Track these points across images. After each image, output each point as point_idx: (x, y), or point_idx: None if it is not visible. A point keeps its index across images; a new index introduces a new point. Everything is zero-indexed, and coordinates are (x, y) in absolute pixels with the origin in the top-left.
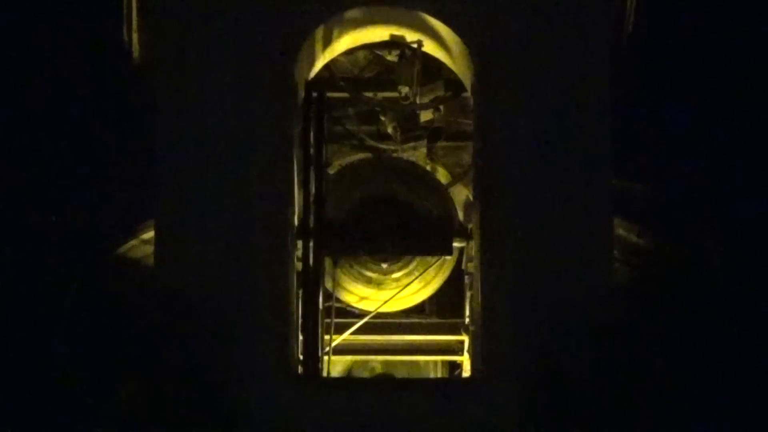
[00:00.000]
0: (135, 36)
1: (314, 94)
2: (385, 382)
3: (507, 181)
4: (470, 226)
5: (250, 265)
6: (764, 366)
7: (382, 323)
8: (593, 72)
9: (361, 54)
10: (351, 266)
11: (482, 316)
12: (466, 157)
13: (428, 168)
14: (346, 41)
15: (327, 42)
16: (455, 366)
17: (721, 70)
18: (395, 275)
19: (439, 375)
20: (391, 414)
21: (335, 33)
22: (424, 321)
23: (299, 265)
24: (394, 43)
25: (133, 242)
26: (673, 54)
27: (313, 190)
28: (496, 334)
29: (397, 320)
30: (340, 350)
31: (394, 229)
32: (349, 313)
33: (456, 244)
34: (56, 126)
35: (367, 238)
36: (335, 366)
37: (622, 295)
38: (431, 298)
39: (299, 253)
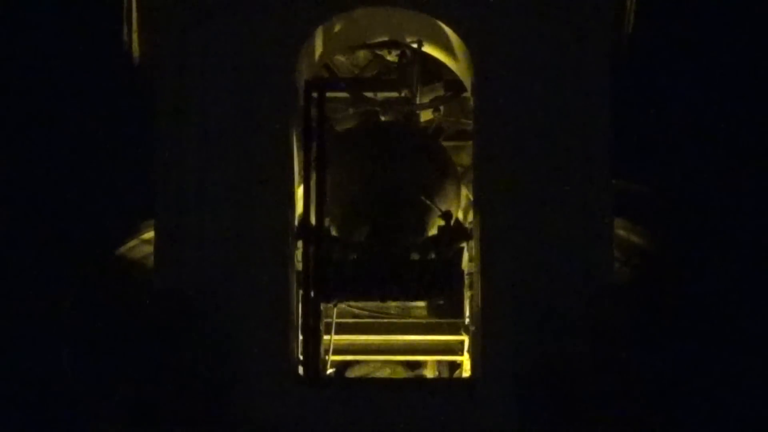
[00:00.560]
0: (135, 36)
1: (314, 94)
2: (385, 382)
3: (507, 181)
4: (470, 226)
5: (250, 265)
6: (764, 366)
7: (382, 323)
8: (593, 72)
9: (361, 54)
10: None
11: (482, 316)
12: (466, 157)
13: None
14: (346, 41)
15: (327, 42)
16: (455, 366)
17: (722, 70)
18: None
19: (439, 375)
20: (391, 414)
21: (335, 33)
22: (424, 321)
23: (299, 265)
24: (394, 43)
25: (133, 242)
26: (673, 54)
27: (313, 190)
28: (496, 334)
29: (397, 320)
30: (340, 350)
31: (393, 270)
32: (349, 313)
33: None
34: (56, 126)
35: (364, 282)
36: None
37: (622, 295)
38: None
39: (299, 253)
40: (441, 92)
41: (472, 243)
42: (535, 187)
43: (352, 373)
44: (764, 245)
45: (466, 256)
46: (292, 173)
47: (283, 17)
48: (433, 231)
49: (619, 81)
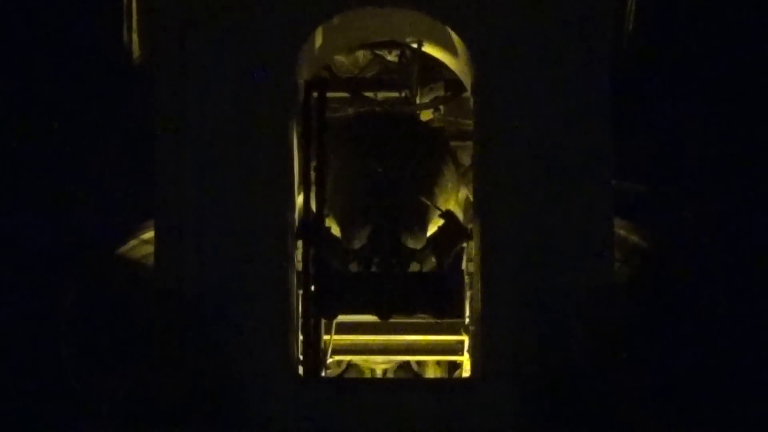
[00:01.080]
0: (135, 36)
1: (314, 94)
2: (385, 382)
3: (507, 181)
4: (470, 226)
5: (250, 265)
6: (764, 366)
7: (382, 323)
8: (593, 72)
9: (361, 54)
10: None
11: (482, 316)
12: (466, 157)
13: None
14: (346, 41)
15: (327, 42)
16: (455, 366)
17: (722, 70)
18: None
19: (439, 375)
20: (391, 414)
21: (335, 33)
22: (424, 321)
23: (299, 265)
24: (394, 43)
25: (133, 242)
26: (673, 54)
27: (313, 190)
28: (496, 334)
29: (397, 320)
30: (340, 350)
31: (392, 285)
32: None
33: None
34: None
35: (363, 296)
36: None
37: (622, 295)
38: None
39: (299, 253)
40: (441, 92)
41: (472, 243)
42: (535, 187)
43: (352, 373)
44: (764, 245)
45: (466, 256)
46: (292, 173)
47: (283, 17)
48: (433, 231)
49: (619, 81)
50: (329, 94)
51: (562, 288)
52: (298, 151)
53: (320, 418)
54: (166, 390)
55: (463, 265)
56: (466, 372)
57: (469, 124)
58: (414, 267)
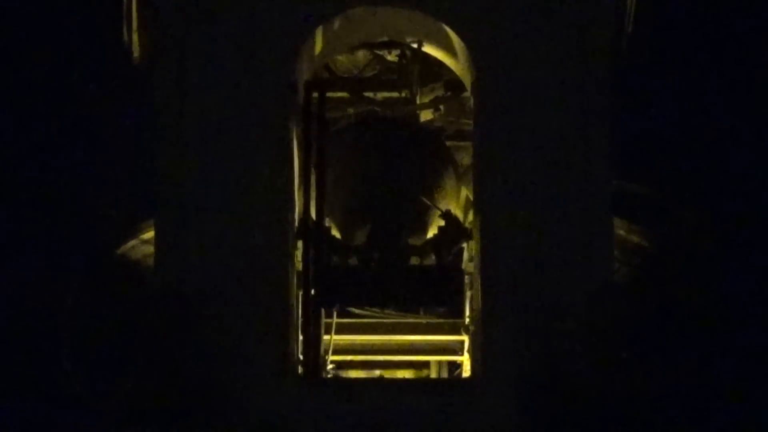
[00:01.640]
0: (135, 36)
1: (314, 94)
2: (385, 382)
3: (507, 181)
4: (470, 226)
5: (250, 265)
6: (764, 366)
7: (382, 323)
8: (593, 72)
9: (361, 54)
10: None
11: (482, 316)
12: (466, 157)
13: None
14: (346, 41)
15: (327, 42)
16: (455, 366)
17: (722, 70)
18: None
19: (439, 375)
20: (391, 414)
21: (335, 33)
22: (424, 321)
23: (299, 266)
24: (394, 43)
25: (133, 242)
26: (673, 54)
27: (313, 190)
28: (496, 334)
29: (397, 320)
30: (340, 350)
31: (393, 278)
32: (349, 313)
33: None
34: (56, 126)
35: (365, 289)
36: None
37: (622, 295)
38: None
39: (299, 253)
40: (441, 92)
41: (472, 243)
42: (535, 187)
43: (351, 373)
44: (764, 245)
45: (466, 256)
46: (292, 173)
47: (283, 17)
48: (433, 231)
49: (619, 81)
50: (329, 94)
51: (562, 288)
52: (298, 151)
53: (320, 418)
54: (165, 390)
55: (463, 265)
56: (466, 372)
57: (469, 124)
58: (414, 261)
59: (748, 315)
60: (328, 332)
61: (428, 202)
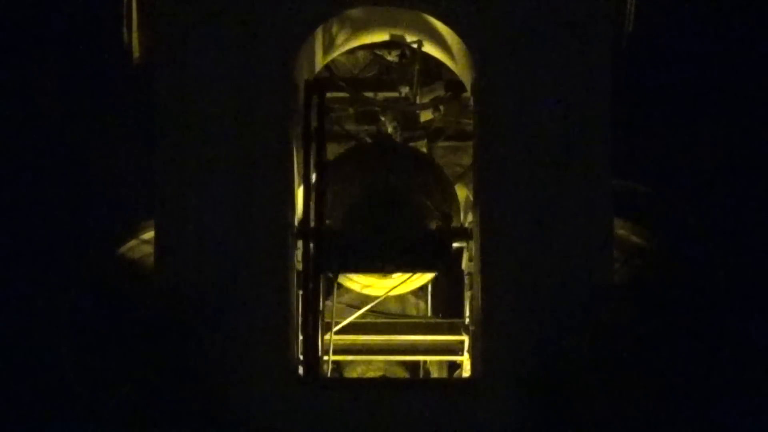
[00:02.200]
0: (135, 36)
1: (314, 94)
2: (385, 382)
3: (507, 181)
4: (470, 226)
5: (250, 265)
6: (763, 366)
7: (382, 323)
8: (593, 72)
9: (361, 54)
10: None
11: (482, 316)
12: (466, 157)
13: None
14: (346, 41)
15: (327, 42)
16: (455, 366)
17: (722, 70)
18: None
19: (439, 375)
20: (391, 414)
21: (335, 33)
22: (424, 321)
23: (299, 265)
24: (394, 43)
25: (133, 242)
26: (674, 54)
27: (313, 190)
28: (496, 334)
29: (397, 320)
30: (340, 350)
31: (392, 242)
32: (349, 314)
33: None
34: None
35: (364, 252)
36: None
37: (622, 295)
38: (432, 298)
39: (299, 253)
40: (441, 92)
41: (472, 243)
42: (535, 187)
43: (352, 373)
44: (764, 245)
45: (466, 256)
46: (292, 173)
47: (283, 17)
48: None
49: (619, 80)
50: (329, 94)
51: (562, 288)
52: (298, 152)
53: (320, 418)
54: (165, 390)
55: (463, 265)
56: (466, 372)
57: (469, 124)
58: (414, 230)
59: (748, 315)
60: (328, 332)
61: (428, 203)
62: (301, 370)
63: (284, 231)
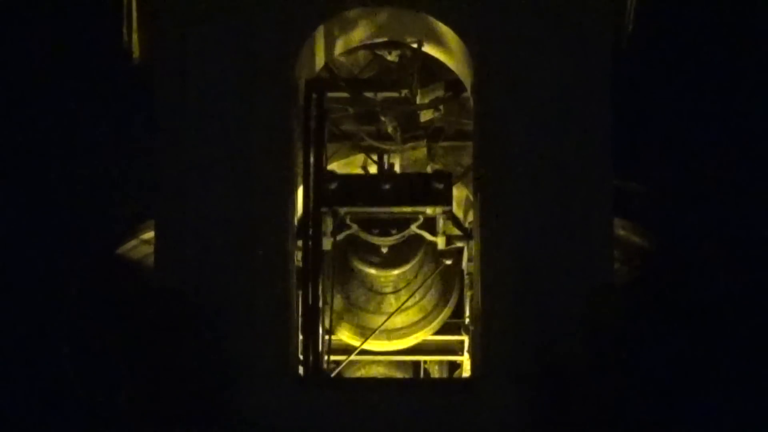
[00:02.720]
0: (135, 36)
1: (314, 95)
2: (385, 382)
3: (507, 181)
4: (470, 226)
5: (250, 265)
6: (763, 366)
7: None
8: (593, 72)
9: (361, 54)
10: (347, 297)
11: (482, 316)
12: (466, 157)
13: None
14: (346, 41)
15: (327, 42)
16: (455, 366)
17: (722, 70)
18: (392, 289)
19: (440, 375)
20: (391, 414)
21: (335, 33)
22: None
23: (299, 265)
24: (394, 43)
25: (133, 242)
26: (674, 54)
27: (312, 190)
28: (496, 334)
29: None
30: (340, 350)
31: (391, 181)
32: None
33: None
34: (56, 126)
35: (364, 190)
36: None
37: (622, 295)
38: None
39: (299, 253)
40: (441, 92)
41: (472, 243)
42: (535, 187)
43: (351, 373)
44: (764, 245)
45: (466, 256)
46: (292, 173)
47: (283, 17)
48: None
49: (619, 81)
50: (329, 94)
51: (562, 288)
52: (298, 151)
53: (320, 418)
54: (165, 390)
55: (463, 265)
56: (466, 372)
57: (469, 124)
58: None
59: (749, 315)
60: (328, 332)
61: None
62: (301, 370)
63: (284, 231)
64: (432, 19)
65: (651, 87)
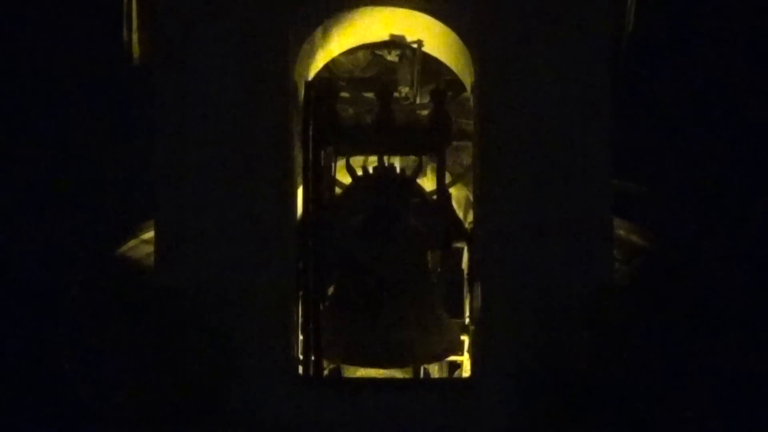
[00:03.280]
0: (135, 36)
1: (314, 94)
2: (385, 382)
3: (507, 181)
4: (470, 226)
5: (250, 265)
6: (764, 366)
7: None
8: (593, 72)
9: (361, 54)
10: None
11: (482, 316)
12: (466, 157)
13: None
14: (346, 41)
15: (327, 42)
16: (455, 366)
17: (722, 70)
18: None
19: (439, 375)
20: (391, 414)
21: (335, 33)
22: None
23: (299, 265)
24: (394, 43)
25: (133, 242)
26: (674, 54)
27: (312, 190)
28: (496, 334)
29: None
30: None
31: (389, 127)
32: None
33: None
34: (56, 126)
35: (362, 135)
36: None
37: (622, 295)
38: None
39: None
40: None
41: (472, 243)
42: (535, 188)
43: (351, 373)
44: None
45: (466, 255)
46: (292, 173)
47: (283, 17)
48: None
49: (619, 81)
50: (329, 95)
51: (562, 288)
52: (298, 151)
53: (320, 418)
54: (165, 390)
55: (463, 265)
56: (466, 372)
57: (469, 124)
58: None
59: (749, 315)
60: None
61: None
62: (301, 370)
63: (284, 231)
64: (432, 19)
65: (651, 87)
